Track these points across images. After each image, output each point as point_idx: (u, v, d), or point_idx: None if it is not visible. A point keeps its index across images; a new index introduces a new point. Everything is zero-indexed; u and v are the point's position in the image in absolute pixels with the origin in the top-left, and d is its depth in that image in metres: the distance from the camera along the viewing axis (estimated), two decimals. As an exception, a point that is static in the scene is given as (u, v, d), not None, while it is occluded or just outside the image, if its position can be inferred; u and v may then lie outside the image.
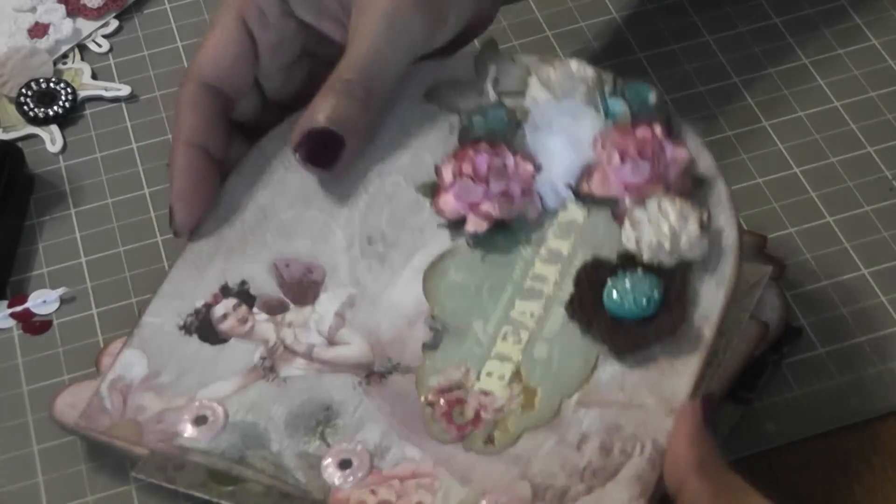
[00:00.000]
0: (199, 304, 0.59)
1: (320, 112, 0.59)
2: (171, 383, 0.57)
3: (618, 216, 0.56)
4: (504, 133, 0.59)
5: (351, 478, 0.53)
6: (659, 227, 0.54)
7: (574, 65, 0.60)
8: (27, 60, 0.75)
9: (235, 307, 0.58)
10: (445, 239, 0.58)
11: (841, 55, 0.74)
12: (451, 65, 0.63)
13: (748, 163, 0.69)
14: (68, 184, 0.71)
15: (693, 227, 0.54)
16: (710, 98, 0.73)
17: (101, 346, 0.64)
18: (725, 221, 0.56)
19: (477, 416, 0.54)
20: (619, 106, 0.58)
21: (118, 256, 0.68)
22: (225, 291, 0.59)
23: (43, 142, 0.73)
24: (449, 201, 0.58)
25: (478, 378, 0.55)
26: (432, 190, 0.59)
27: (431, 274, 0.58)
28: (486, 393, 0.54)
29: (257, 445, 0.54)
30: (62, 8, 0.78)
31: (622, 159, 0.56)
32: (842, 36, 0.75)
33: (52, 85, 0.74)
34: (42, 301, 0.66)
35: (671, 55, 0.75)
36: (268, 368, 0.57)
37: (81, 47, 0.77)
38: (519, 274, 0.57)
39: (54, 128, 0.73)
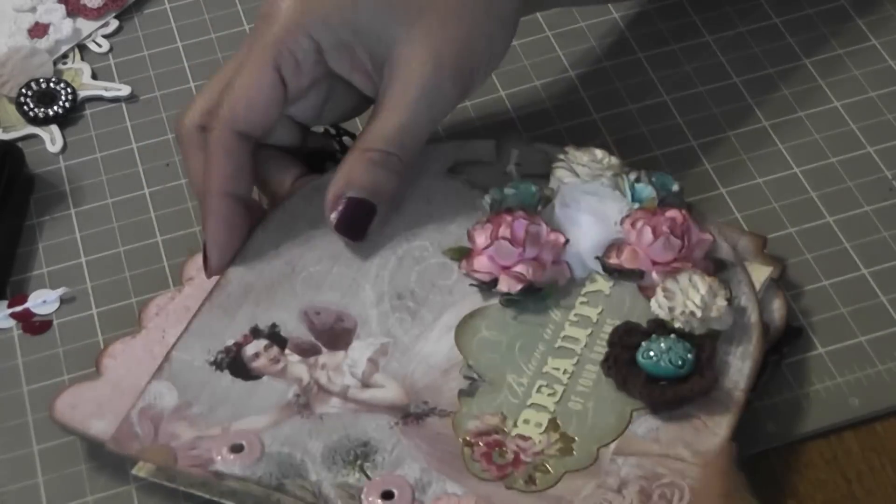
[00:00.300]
0: (230, 342, 0.60)
1: (357, 182, 0.61)
2: (204, 414, 0.57)
3: (644, 290, 0.60)
4: (534, 206, 0.62)
5: None
6: (690, 297, 0.58)
7: (599, 153, 0.64)
8: (27, 60, 0.75)
9: (267, 347, 0.59)
10: (476, 299, 0.61)
11: (841, 55, 0.74)
12: (472, 146, 0.66)
13: (748, 163, 0.69)
14: (68, 184, 0.71)
15: (721, 300, 0.58)
16: (710, 98, 0.73)
17: (101, 346, 0.64)
18: (747, 301, 0.60)
19: (517, 458, 0.55)
20: (646, 191, 0.63)
21: (118, 256, 0.68)
22: (255, 333, 0.60)
23: (43, 142, 0.73)
24: (483, 262, 0.61)
25: (515, 425, 0.56)
26: (460, 253, 0.62)
27: (463, 330, 0.60)
28: (524, 438, 0.56)
29: (295, 475, 0.55)
30: (62, 8, 0.78)
31: (654, 236, 0.60)
32: (842, 36, 0.75)
33: (52, 85, 0.74)
34: (42, 301, 0.66)
35: (671, 55, 0.75)
36: (303, 405, 0.57)
37: (81, 47, 0.77)
38: (550, 334, 0.59)
39: (54, 128, 0.73)
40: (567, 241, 0.61)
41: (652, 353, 0.57)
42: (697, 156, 0.70)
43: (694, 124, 0.72)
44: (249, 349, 0.59)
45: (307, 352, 0.59)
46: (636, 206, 0.62)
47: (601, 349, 0.58)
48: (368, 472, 0.55)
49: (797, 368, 0.62)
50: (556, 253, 0.61)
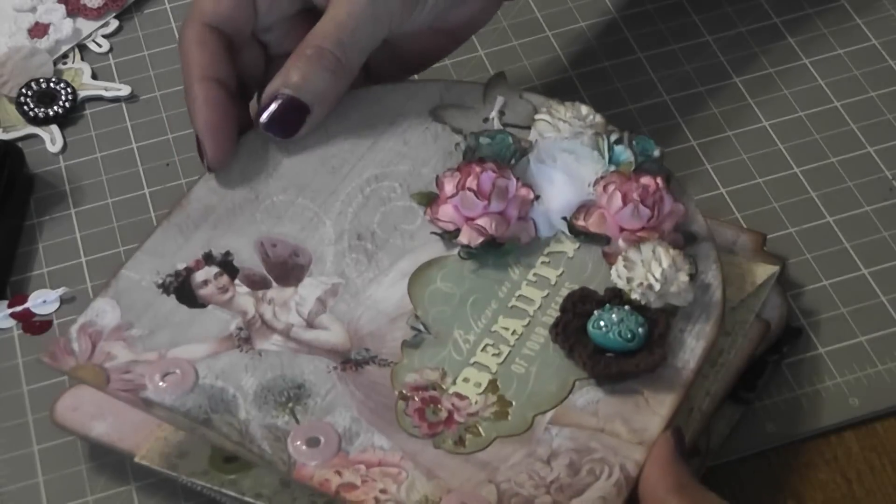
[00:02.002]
0: (181, 266, 0.59)
1: (290, 79, 0.59)
2: (143, 337, 0.56)
3: (608, 256, 0.58)
4: (508, 158, 0.61)
5: (317, 456, 0.53)
6: (651, 269, 0.56)
7: (584, 109, 0.62)
8: (27, 60, 0.75)
9: (217, 276, 0.58)
10: (437, 248, 0.59)
11: (841, 55, 0.74)
12: (458, 89, 0.65)
13: (748, 162, 0.69)
14: (68, 184, 0.71)
15: (683, 276, 0.56)
16: (710, 98, 0.73)
17: (101, 346, 0.64)
18: (712, 279, 0.58)
19: (449, 417, 0.54)
20: (624, 154, 0.61)
21: (118, 256, 0.68)
22: (208, 259, 0.59)
23: (43, 142, 0.73)
24: (448, 211, 0.59)
25: (454, 382, 0.55)
26: (428, 199, 0.60)
27: (418, 278, 0.58)
28: (460, 397, 0.55)
29: (224, 410, 0.54)
30: (62, 8, 0.78)
31: (623, 202, 0.58)
32: (842, 36, 0.75)
33: (52, 85, 0.74)
34: (42, 301, 0.66)
35: (671, 55, 0.75)
36: (243, 339, 0.56)
37: (81, 47, 0.77)
38: (505, 292, 0.58)
39: (54, 128, 0.73)
40: (536, 197, 0.60)
41: (602, 324, 0.55)
42: (697, 155, 0.70)
43: (694, 124, 0.72)
44: (199, 275, 0.58)
45: (257, 284, 0.58)
46: (612, 168, 0.60)
47: (554, 313, 0.57)
48: (298, 416, 0.54)
49: (797, 368, 0.62)
50: (524, 209, 0.59)
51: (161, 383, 0.55)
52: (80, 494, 0.60)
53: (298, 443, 0.53)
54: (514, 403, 0.55)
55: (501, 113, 0.63)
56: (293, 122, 0.60)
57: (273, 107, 0.60)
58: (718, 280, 0.58)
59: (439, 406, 0.54)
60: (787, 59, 0.74)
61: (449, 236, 0.59)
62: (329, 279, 0.58)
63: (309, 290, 0.58)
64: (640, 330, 0.55)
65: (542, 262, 0.59)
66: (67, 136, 0.73)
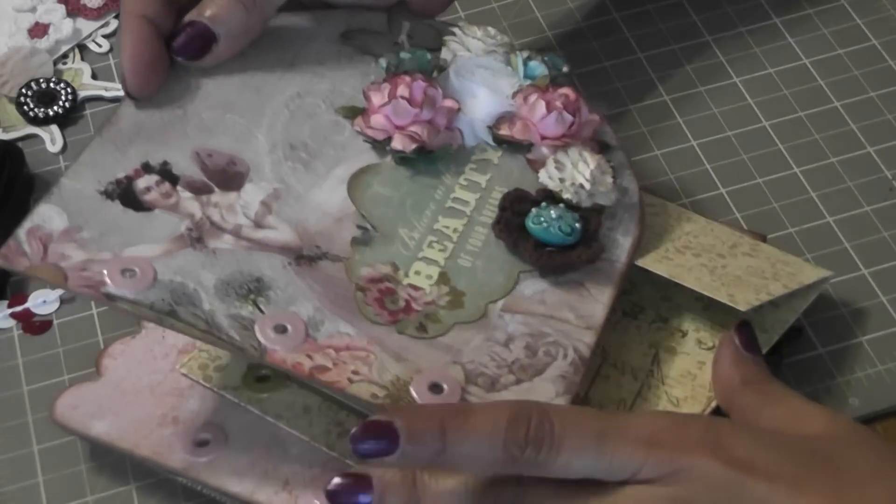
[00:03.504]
0: (121, 175, 0.58)
1: (204, 9, 0.62)
2: (94, 239, 0.56)
3: (532, 162, 0.61)
4: (429, 72, 0.63)
5: (287, 342, 0.54)
6: (580, 170, 0.59)
7: (491, 30, 0.65)
8: (27, 60, 0.75)
9: (158, 183, 0.58)
10: (369, 156, 0.61)
11: (841, 55, 0.74)
12: (363, 16, 0.66)
13: (748, 162, 0.69)
14: (68, 184, 0.71)
15: (608, 176, 0.60)
16: (710, 98, 0.73)
17: (101, 346, 0.64)
18: (629, 182, 0.61)
19: (408, 306, 0.56)
20: (539, 69, 0.64)
21: (118, 256, 0.68)
22: (147, 168, 0.59)
23: (43, 142, 0.73)
24: (379, 120, 0.61)
25: (406, 275, 0.57)
26: (354, 112, 0.62)
27: (356, 183, 0.60)
28: (415, 287, 0.57)
29: (188, 303, 0.54)
30: (62, 8, 0.78)
31: (547, 110, 0.61)
32: (841, 36, 0.75)
33: (52, 85, 0.74)
34: (42, 301, 0.66)
35: (671, 55, 0.75)
36: (195, 239, 0.56)
37: (81, 47, 0.77)
38: (441, 195, 0.60)
39: (54, 128, 0.73)
40: (460, 108, 0.62)
41: (542, 220, 0.58)
42: (697, 155, 0.70)
43: (693, 124, 0.72)
44: (140, 183, 0.58)
45: (199, 190, 0.58)
46: (527, 82, 0.63)
47: (490, 213, 0.59)
48: (262, 307, 0.55)
49: (797, 368, 0.62)
50: (450, 118, 0.62)
51: (121, 279, 0.54)
52: (80, 494, 0.60)
53: (267, 330, 0.54)
54: (466, 294, 0.57)
55: (410, 37, 0.66)
56: (200, 48, 0.62)
57: (185, 33, 0.62)
58: (634, 185, 0.61)
59: (396, 296, 0.56)
60: (787, 58, 0.74)
61: (380, 145, 0.61)
62: (270, 184, 0.59)
63: (252, 194, 0.59)
64: (577, 225, 0.58)
65: (471, 168, 0.61)
66: (67, 136, 0.73)
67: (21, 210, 0.70)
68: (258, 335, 0.54)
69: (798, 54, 0.74)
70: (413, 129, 0.61)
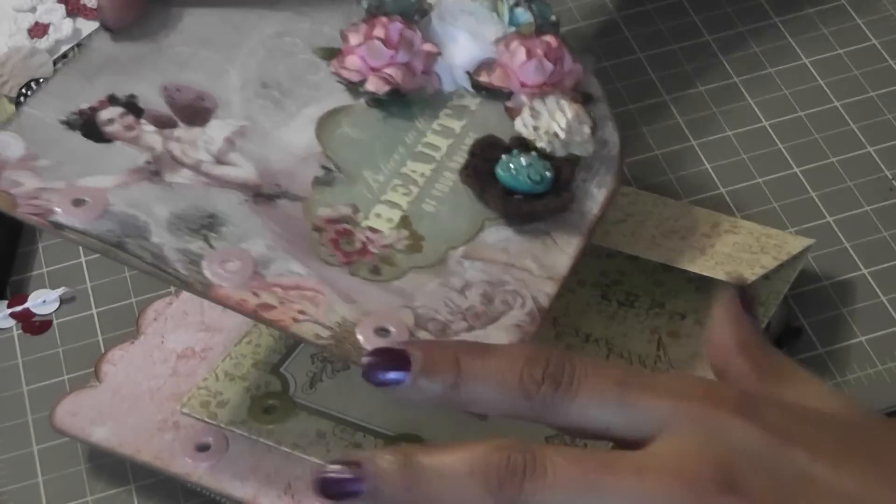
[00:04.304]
0: (84, 106, 0.57)
1: None
2: (50, 168, 0.55)
3: (510, 111, 0.60)
4: (411, 16, 0.62)
5: (233, 279, 0.52)
6: (556, 119, 0.58)
7: None
8: (27, 60, 0.75)
9: (122, 115, 0.58)
10: (342, 97, 0.60)
11: (841, 55, 0.74)
12: None
13: (748, 162, 0.69)
14: (68, 184, 0.71)
15: (586, 128, 0.58)
16: (710, 98, 0.73)
17: (101, 346, 0.64)
18: (609, 136, 0.60)
19: (364, 248, 0.55)
20: (524, 16, 0.62)
21: (118, 256, 0.68)
22: (112, 100, 0.58)
23: (43, 142, 0.73)
24: (354, 61, 0.60)
25: (366, 217, 0.56)
26: (331, 53, 0.62)
27: (325, 123, 0.59)
28: (373, 230, 0.55)
29: (136, 235, 0.53)
30: (62, 8, 0.78)
31: (528, 57, 0.60)
32: (841, 36, 0.75)
33: (52, 85, 0.74)
34: (42, 301, 0.66)
35: (671, 55, 0.75)
36: (153, 172, 0.55)
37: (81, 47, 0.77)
38: (412, 139, 0.59)
39: (54, 128, 0.73)
40: (439, 52, 0.61)
41: (512, 167, 0.56)
42: (697, 155, 0.70)
43: (693, 124, 0.72)
44: (104, 114, 0.57)
45: (163, 124, 0.58)
46: (512, 29, 0.62)
47: (461, 159, 0.58)
48: (213, 243, 0.53)
49: (797, 368, 0.62)
50: (428, 63, 0.61)
51: (71, 208, 0.53)
52: (80, 494, 0.60)
53: (214, 266, 0.52)
54: (426, 238, 0.55)
55: None
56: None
57: None
58: (615, 138, 0.60)
59: (353, 238, 0.55)
60: (787, 59, 0.74)
61: (355, 86, 0.60)
62: (236, 121, 0.58)
63: (216, 130, 0.58)
64: (548, 174, 0.56)
65: (446, 114, 0.60)
66: (67, 136, 0.73)
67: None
68: (205, 270, 0.52)
69: (798, 54, 0.74)
70: (388, 71, 0.60)
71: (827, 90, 0.72)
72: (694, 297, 0.62)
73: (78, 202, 0.53)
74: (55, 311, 0.66)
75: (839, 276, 0.65)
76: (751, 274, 0.58)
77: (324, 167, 0.57)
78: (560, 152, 0.57)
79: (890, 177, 0.69)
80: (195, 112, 0.58)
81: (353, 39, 0.61)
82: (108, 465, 0.60)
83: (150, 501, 0.59)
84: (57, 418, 0.59)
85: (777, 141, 0.70)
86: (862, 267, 0.65)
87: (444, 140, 0.59)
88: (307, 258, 0.54)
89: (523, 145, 0.57)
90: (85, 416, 0.59)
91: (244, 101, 0.59)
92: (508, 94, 0.60)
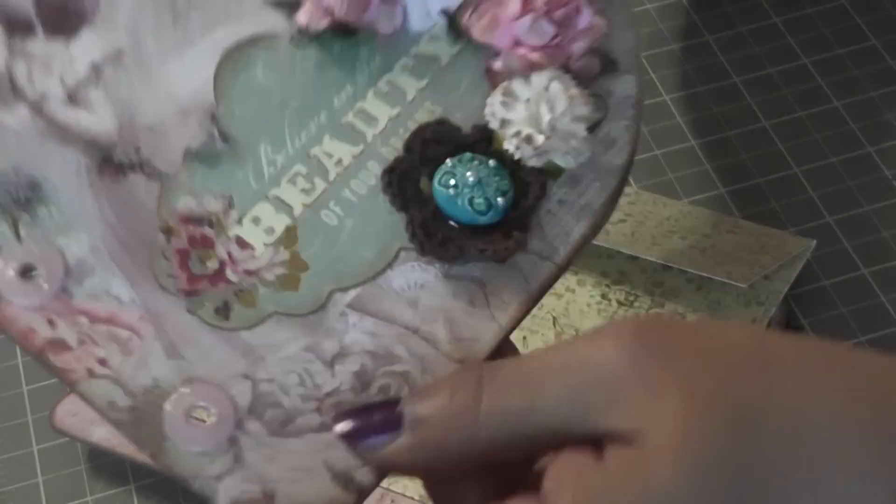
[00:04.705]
0: None
1: None
2: None
3: (492, 74, 0.43)
4: None
5: (30, 293, 0.40)
6: (537, 113, 0.42)
7: None
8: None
9: None
10: (268, 21, 0.44)
11: (841, 55, 0.74)
12: None
13: (748, 163, 0.69)
14: (68, 184, 0.71)
15: (580, 127, 0.42)
16: (709, 98, 0.73)
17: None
18: (622, 132, 0.43)
19: (220, 271, 0.41)
20: None
21: (118, 256, 0.68)
22: None
23: (43, 142, 0.73)
24: None
25: (239, 221, 0.42)
26: None
27: (233, 58, 0.44)
28: (243, 243, 0.42)
29: None
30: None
31: (522, 10, 0.43)
32: (842, 36, 0.75)
33: (52, 85, 0.74)
34: (42, 301, 0.66)
35: (671, 55, 0.75)
36: None
37: (81, 47, 0.77)
38: (343, 101, 0.43)
39: (54, 128, 0.73)
40: None
41: (453, 182, 0.41)
42: (697, 156, 0.70)
43: (694, 124, 0.72)
44: None
45: (17, 29, 0.43)
46: None
47: (399, 143, 0.42)
48: (21, 230, 0.41)
49: (797, 368, 0.62)
50: None
51: None
52: (80, 494, 0.60)
53: (10, 270, 0.41)
54: (310, 268, 0.41)
55: None
56: None
57: None
58: (628, 136, 0.43)
59: (211, 252, 0.41)
60: (787, 59, 0.74)
61: (287, 11, 0.44)
62: (114, 39, 0.44)
63: (84, 48, 0.43)
64: (500, 200, 0.41)
65: (403, 67, 0.44)
66: (67, 136, 0.73)
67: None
68: None
69: (798, 54, 0.74)
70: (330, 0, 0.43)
71: (827, 90, 0.72)
72: (694, 297, 0.62)
73: None
74: (55, 311, 0.66)
75: (839, 276, 0.65)
76: (751, 274, 0.58)
77: (207, 132, 0.43)
78: (532, 161, 0.42)
79: (890, 177, 0.69)
80: (65, 17, 0.44)
81: None
82: (108, 465, 0.60)
83: (150, 501, 0.59)
84: (57, 418, 0.59)
85: (777, 141, 0.70)
86: (862, 267, 0.65)
87: (388, 109, 0.43)
88: (138, 274, 0.41)
89: (485, 141, 0.42)
90: (85, 416, 0.59)
91: (135, 8, 0.44)
92: (496, 52, 0.43)
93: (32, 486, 0.60)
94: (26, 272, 0.40)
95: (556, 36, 0.43)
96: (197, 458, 0.40)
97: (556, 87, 0.42)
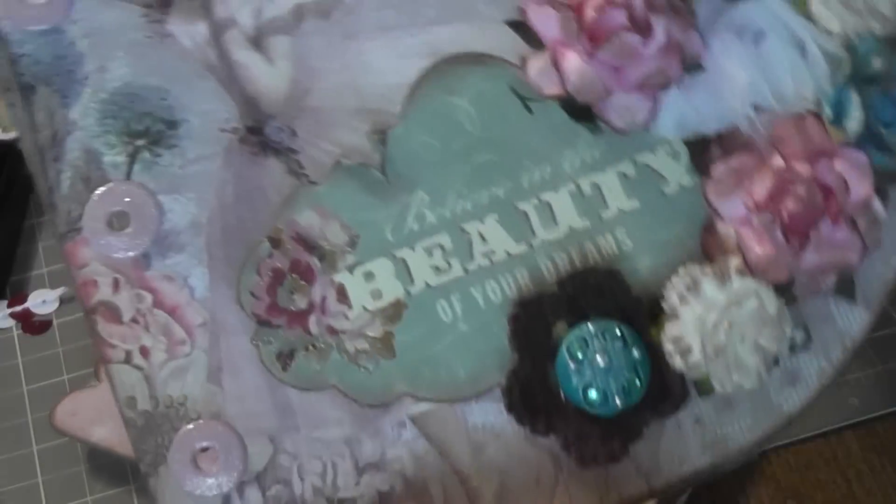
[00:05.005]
0: None
1: None
2: None
3: (707, 238, 0.35)
4: None
5: (111, 244, 0.36)
6: (712, 328, 0.34)
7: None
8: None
9: None
10: (502, 43, 0.36)
11: (841, 54, 0.74)
12: None
13: (748, 162, 0.69)
14: (68, 183, 0.71)
15: (755, 359, 0.33)
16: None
17: (101, 346, 0.64)
18: (809, 374, 0.36)
19: (303, 315, 0.35)
20: (854, 111, 0.35)
21: (118, 256, 0.68)
22: None
23: (43, 141, 0.73)
24: (544, 9, 0.35)
25: (352, 269, 0.36)
26: None
27: (443, 74, 0.36)
28: (342, 295, 0.36)
29: (58, 90, 0.37)
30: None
31: (766, 202, 0.34)
32: (842, 35, 0.75)
33: (51, 84, 0.74)
34: (42, 301, 0.66)
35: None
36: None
37: (81, 47, 0.77)
38: (532, 184, 0.36)
39: (54, 127, 0.73)
40: (697, 66, 0.33)
41: (580, 356, 0.34)
42: (697, 155, 0.70)
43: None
44: None
45: None
46: (829, 115, 0.34)
47: (562, 260, 0.36)
48: (135, 170, 0.36)
49: (797, 368, 0.62)
50: (661, 74, 0.34)
51: None
52: (80, 494, 0.60)
53: (102, 210, 0.36)
54: (396, 357, 0.36)
55: None
56: None
57: None
58: (820, 381, 0.37)
59: (307, 288, 0.36)
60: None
61: (526, 31, 0.36)
62: None
63: None
64: (618, 400, 0.34)
65: (619, 173, 0.36)
66: (67, 135, 0.73)
67: (21, 210, 0.70)
68: (87, 207, 0.36)
69: (798, 54, 0.74)
70: (571, 59, 0.33)
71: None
72: None
73: None
74: (55, 310, 0.66)
75: (839, 276, 0.64)
76: None
77: (372, 150, 0.35)
78: (689, 373, 0.34)
79: (890, 176, 0.68)
80: None
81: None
82: (108, 465, 0.60)
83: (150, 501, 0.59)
84: (57, 418, 0.59)
85: (777, 140, 0.70)
86: (862, 267, 0.65)
87: (576, 216, 0.36)
88: (223, 275, 0.36)
89: (648, 317, 0.34)
90: (85, 416, 0.59)
91: None
92: (738, 216, 0.35)
93: (32, 486, 0.60)
94: (118, 220, 0.36)
95: (787, 243, 0.34)
96: (184, 499, 0.37)
97: (751, 306, 0.34)
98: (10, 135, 0.73)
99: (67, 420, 0.59)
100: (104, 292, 0.37)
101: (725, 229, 0.35)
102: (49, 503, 0.60)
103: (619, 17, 0.32)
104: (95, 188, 0.36)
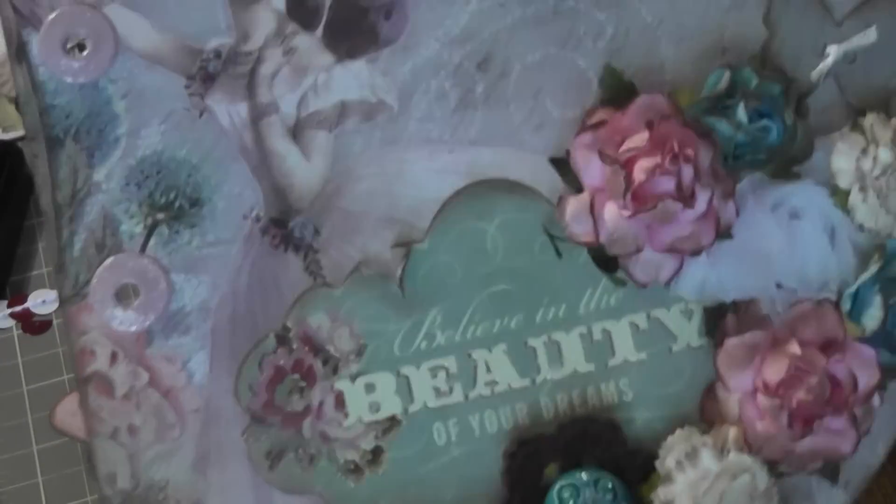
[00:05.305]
0: None
1: None
2: None
3: (710, 396, 0.36)
4: (730, 144, 0.37)
5: (116, 316, 0.37)
6: (701, 499, 0.36)
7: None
8: (27, 60, 0.75)
9: None
10: (540, 175, 0.36)
11: (841, 55, 0.74)
12: None
13: (748, 162, 0.69)
14: (68, 184, 0.71)
15: None
16: (709, 98, 0.73)
17: (101, 346, 0.64)
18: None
19: (299, 417, 0.35)
20: (875, 310, 0.36)
21: (118, 256, 0.68)
22: None
23: (43, 142, 0.73)
24: (586, 146, 0.36)
25: (354, 377, 0.36)
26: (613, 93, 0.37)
27: (475, 196, 0.37)
28: (340, 402, 0.36)
29: (89, 142, 0.38)
30: (62, 8, 0.78)
31: (776, 388, 0.36)
32: (842, 35, 0.75)
33: (51, 85, 0.74)
34: (42, 301, 0.66)
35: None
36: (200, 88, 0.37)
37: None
38: (544, 321, 0.36)
39: (54, 128, 0.73)
40: (727, 231, 0.35)
41: (569, 498, 0.35)
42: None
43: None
44: None
45: (301, 13, 0.36)
46: (847, 315, 0.36)
47: (563, 406, 0.36)
48: (150, 244, 0.37)
49: (797, 368, 0.61)
50: (695, 239, 0.34)
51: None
52: (80, 494, 0.60)
53: (112, 279, 0.37)
54: (384, 474, 0.36)
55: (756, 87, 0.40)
56: None
57: None
58: None
59: (306, 390, 0.36)
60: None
61: (567, 171, 0.36)
62: (383, 92, 0.36)
63: (350, 76, 0.36)
64: None
65: (631, 324, 0.37)
66: (67, 135, 0.73)
67: (21, 210, 0.70)
68: (94, 279, 0.36)
69: (798, 54, 0.74)
70: (616, 204, 0.34)
71: (827, 90, 0.72)
72: None
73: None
74: (55, 310, 0.66)
75: (839, 276, 0.64)
76: None
77: (393, 264, 0.35)
78: None
79: (890, 176, 0.68)
80: (363, 35, 0.36)
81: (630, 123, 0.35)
82: (107, 465, 0.60)
83: None
84: (57, 418, 0.59)
85: (777, 141, 0.70)
86: (862, 266, 0.65)
87: (582, 359, 0.36)
88: (223, 364, 0.36)
89: (643, 473, 0.35)
90: (85, 416, 0.59)
91: (433, 64, 0.35)
92: (745, 389, 0.36)
93: (32, 486, 0.60)
94: (126, 294, 0.36)
95: (790, 427, 0.36)
96: None
97: (744, 480, 0.35)
98: (10, 135, 0.73)
99: (67, 420, 0.59)
100: (101, 363, 0.37)
101: (728, 398, 0.36)
102: (49, 503, 0.60)
103: (667, 184, 0.33)
104: (108, 256, 0.36)
